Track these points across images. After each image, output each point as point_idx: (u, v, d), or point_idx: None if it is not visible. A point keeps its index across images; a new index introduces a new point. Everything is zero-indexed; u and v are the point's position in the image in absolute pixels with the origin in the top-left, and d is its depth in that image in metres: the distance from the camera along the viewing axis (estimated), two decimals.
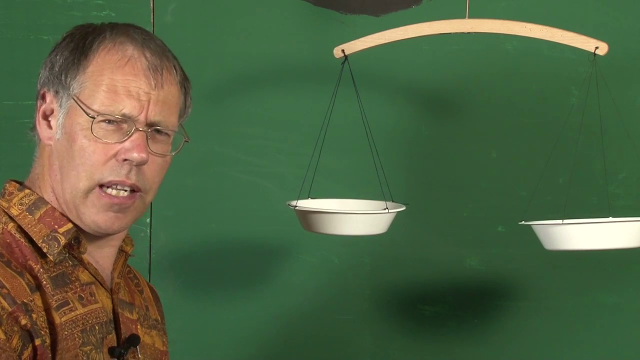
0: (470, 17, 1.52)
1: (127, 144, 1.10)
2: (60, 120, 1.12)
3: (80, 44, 1.13)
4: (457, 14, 1.54)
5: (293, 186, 1.70)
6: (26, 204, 1.13)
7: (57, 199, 1.14)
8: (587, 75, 1.55)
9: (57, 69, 1.13)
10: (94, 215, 1.12)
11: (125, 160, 1.10)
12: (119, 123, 1.10)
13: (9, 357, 1.00)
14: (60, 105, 1.12)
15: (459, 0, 1.56)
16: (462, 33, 1.54)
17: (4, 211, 1.13)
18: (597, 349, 1.96)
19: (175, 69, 1.16)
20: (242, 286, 1.97)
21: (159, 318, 1.33)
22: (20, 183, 1.18)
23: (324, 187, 1.78)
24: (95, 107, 1.10)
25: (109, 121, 1.10)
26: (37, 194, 1.14)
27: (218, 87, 1.96)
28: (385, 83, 1.95)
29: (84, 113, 1.10)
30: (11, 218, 1.12)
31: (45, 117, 1.15)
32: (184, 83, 1.19)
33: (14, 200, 1.13)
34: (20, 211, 1.12)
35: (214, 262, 1.97)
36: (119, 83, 1.10)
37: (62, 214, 1.13)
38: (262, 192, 1.96)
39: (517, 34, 1.51)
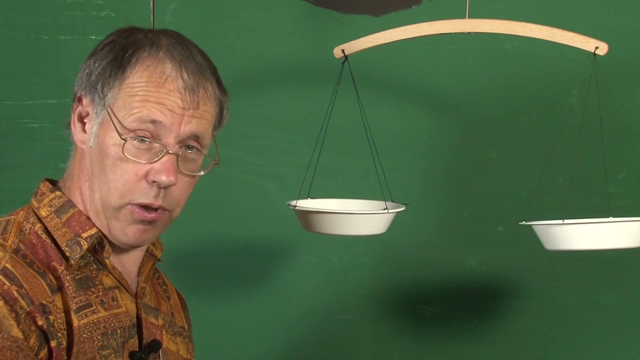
0: (470, 17, 1.52)
1: (157, 165, 1.10)
2: (94, 128, 1.12)
3: (119, 56, 1.12)
4: (457, 14, 1.54)
5: (293, 186, 1.70)
6: (55, 205, 1.14)
7: (83, 201, 1.14)
8: (587, 75, 1.55)
9: (93, 78, 1.12)
10: (124, 228, 1.12)
11: (154, 182, 1.11)
12: (151, 143, 1.10)
13: (27, 356, 1.01)
14: (96, 113, 1.12)
15: (459, 0, 1.56)
16: (462, 33, 1.54)
17: (34, 211, 1.14)
18: (597, 349, 1.96)
19: (212, 85, 1.16)
20: (242, 286, 1.97)
21: (185, 325, 1.33)
22: (54, 183, 1.18)
23: (324, 187, 1.78)
24: (127, 119, 1.09)
25: (141, 139, 1.10)
26: (67, 197, 1.15)
27: None
28: (385, 83, 1.95)
29: (122, 134, 1.09)
30: (39, 219, 1.13)
31: (81, 120, 1.15)
32: (221, 98, 1.18)
33: (44, 201, 1.14)
34: (48, 213, 1.13)
35: (214, 262, 1.97)
36: (152, 95, 1.10)
37: (89, 218, 1.14)
38: (262, 192, 1.96)
39: (517, 34, 1.51)
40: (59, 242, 1.11)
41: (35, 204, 1.15)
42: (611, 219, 1.49)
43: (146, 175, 1.11)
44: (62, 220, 1.13)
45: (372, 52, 1.60)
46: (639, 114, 1.92)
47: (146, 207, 1.12)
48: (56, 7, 1.92)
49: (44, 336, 1.04)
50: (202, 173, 1.17)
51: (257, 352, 1.98)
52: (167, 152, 1.11)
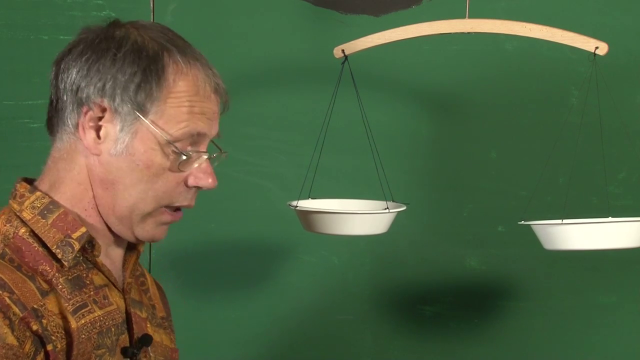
0: (470, 17, 1.52)
1: (198, 172, 1.14)
2: (123, 137, 1.10)
3: (153, 67, 1.11)
4: (457, 14, 1.54)
5: (293, 186, 1.70)
6: (38, 207, 1.12)
7: (95, 207, 1.13)
8: (587, 75, 1.55)
9: (132, 91, 1.10)
10: (153, 230, 1.15)
11: (196, 186, 1.15)
12: (192, 151, 1.13)
13: None
14: (124, 122, 1.10)
15: (459, 0, 1.56)
16: (462, 33, 1.54)
17: (16, 214, 1.12)
18: (597, 349, 1.96)
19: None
20: (242, 286, 1.97)
21: (165, 315, 1.33)
22: (30, 182, 1.17)
23: (324, 187, 1.78)
24: (173, 131, 1.11)
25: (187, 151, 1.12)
26: (49, 197, 1.13)
27: None
28: (385, 83, 1.95)
29: (162, 140, 1.10)
30: (23, 222, 1.11)
31: (94, 125, 1.12)
32: None
33: (26, 204, 1.12)
34: (32, 215, 1.11)
35: (214, 262, 1.97)
36: (196, 105, 1.12)
37: (75, 219, 1.12)
38: (262, 192, 1.96)
39: (517, 34, 1.51)
40: (48, 244, 1.10)
41: (16, 206, 1.12)
42: (611, 219, 1.49)
43: (185, 181, 1.14)
44: (49, 222, 1.11)
45: (372, 52, 1.60)
46: (639, 114, 1.92)
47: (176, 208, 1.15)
48: (56, 7, 1.92)
49: (40, 341, 1.04)
50: (215, 164, 1.19)
51: (257, 352, 1.98)
52: (207, 158, 1.14)
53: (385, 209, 1.59)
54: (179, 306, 1.96)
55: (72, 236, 1.11)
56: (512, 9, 1.90)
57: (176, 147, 1.11)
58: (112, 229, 1.15)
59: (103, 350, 1.11)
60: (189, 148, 1.12)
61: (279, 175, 1.96)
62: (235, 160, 1.95)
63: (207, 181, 1.14)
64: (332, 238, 1.71)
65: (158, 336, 1.26)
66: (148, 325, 1.23)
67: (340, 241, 1.93)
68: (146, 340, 1.18)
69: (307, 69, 1.95)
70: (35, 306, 1.04)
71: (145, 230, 1.15)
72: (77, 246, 1.10)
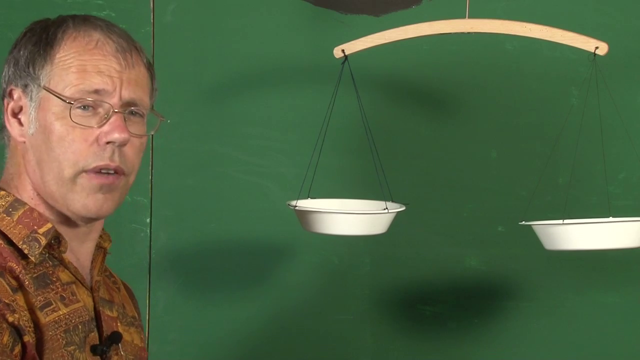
0: (470, 17, 1.53)
1: (106, 127, 1.11)
2: (32, 114, 1.12)
3: (44, 35, 1.13)
4: (457, 14, 1.54)
5: (293, 186, 1.70)
6: (3, 206, 1.12)
7: (38, 195, 1.14)
8: (587, 75, 1.55)
9: (22, 63, 1.12)
10: (84, 199, 1.12)
11: (108, 143, 1.11)
12: (95, 108, 1.11)
13: (3, 353, 1.01)
14: (31, 99, 1.12)
15: (459, 0, 1.56)
16: (462, 33, 1.54)
17: None
18: (597, 349, 1.96)
19: (142, 51, 1.18)
20: (242, 286, 1.97)
21: (135, 315, 1.33)
22: None
23: (324, 187, 1.78)
24: (67, 91, 1.10)
25: (84, 107, 1.10)
26: (13, 195, 1.13)
27: (218, 87, 1.96)
28: (385, 83, 1.95)
29: (60, 101, 1.10)
30: None
31: (15, 115, 1.14)
32: (150, 66, 1.20)
33: None
34: None
35: (214, 262, 1.97)
36: (88, 63, 1.11)
37: (41, 214, 1.12)
38: (262, 192, 1.96)
39: (517, 34, 1.51)
40: (14, 240, 1.10)
41: None
42: (611, 219, 1.49)
43: (97, 140, 1.11)
44: (14, 219, 1.11)
45: (372, 52, 1.60)
46: (639, 114, 1.92)
47: (102, 172, 1.12)
48: (56, 7, 1.92)
49: (17, 332, 1.04)
50: (152, 133, 1.18)
51: (257, 352, 1.98)
52: (114, 112, 1.11)
53: (385, 209, 1.59)
54: (179, 306, 1.97)
55: (38, 231, 1.11)
56: (512, 9, 1.90)
57: (72, 103, 1.09)
58: (58, 210, 1.13)
59: (73, 347, 1.11)
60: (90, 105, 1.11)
61: (279, 175, 1.96)
62: (235, 160, 1.95)
63: (114, 135, 1.10)
64: (332, 238, 1.71)
65: (129, 335, 1.26)
66: (118, 324, 1.23)
67: (340, 241, 1.93)
68: (115, 337, 1.18)
69: (307, 69, 1.95)
70: (7, 301, 1.04)
71: (77, 201, 1.11)
72: (43, 241, 1.10)
